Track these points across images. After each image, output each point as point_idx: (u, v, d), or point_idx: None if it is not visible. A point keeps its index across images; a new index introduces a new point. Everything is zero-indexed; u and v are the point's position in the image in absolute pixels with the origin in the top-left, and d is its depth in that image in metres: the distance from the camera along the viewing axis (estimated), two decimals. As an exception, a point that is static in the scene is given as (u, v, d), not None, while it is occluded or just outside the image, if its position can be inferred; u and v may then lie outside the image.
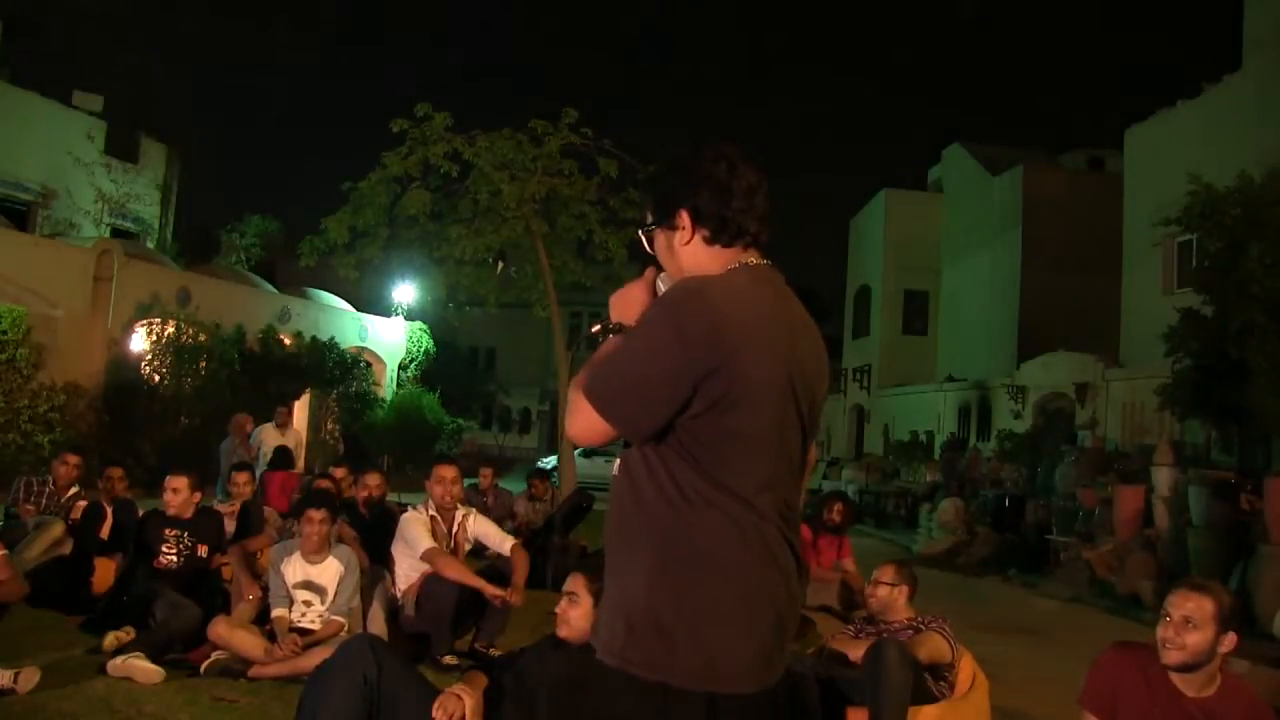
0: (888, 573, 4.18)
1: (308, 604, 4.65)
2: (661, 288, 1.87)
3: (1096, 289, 17.99)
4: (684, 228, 1.82)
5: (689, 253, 1.83)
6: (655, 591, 1.64)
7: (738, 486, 1.65)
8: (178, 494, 5.31)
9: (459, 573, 4.89)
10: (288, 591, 4.62)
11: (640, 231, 1.93)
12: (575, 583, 3.11)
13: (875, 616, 4.19)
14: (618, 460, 1.80)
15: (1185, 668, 2.63)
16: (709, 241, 1.81)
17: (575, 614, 3.06)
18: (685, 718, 1.61)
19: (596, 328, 1.89)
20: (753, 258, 1.83)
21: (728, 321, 1.64)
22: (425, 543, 4.95)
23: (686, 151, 1.88)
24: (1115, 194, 17.49)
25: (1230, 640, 2.64)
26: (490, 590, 4.82)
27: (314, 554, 4.72)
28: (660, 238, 1.87)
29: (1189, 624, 2.61)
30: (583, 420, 1.69)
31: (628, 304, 1.85)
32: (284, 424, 11.24)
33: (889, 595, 4.12)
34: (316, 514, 4.73)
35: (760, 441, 1.66)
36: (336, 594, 4.68)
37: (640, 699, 1.61)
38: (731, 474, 1.64)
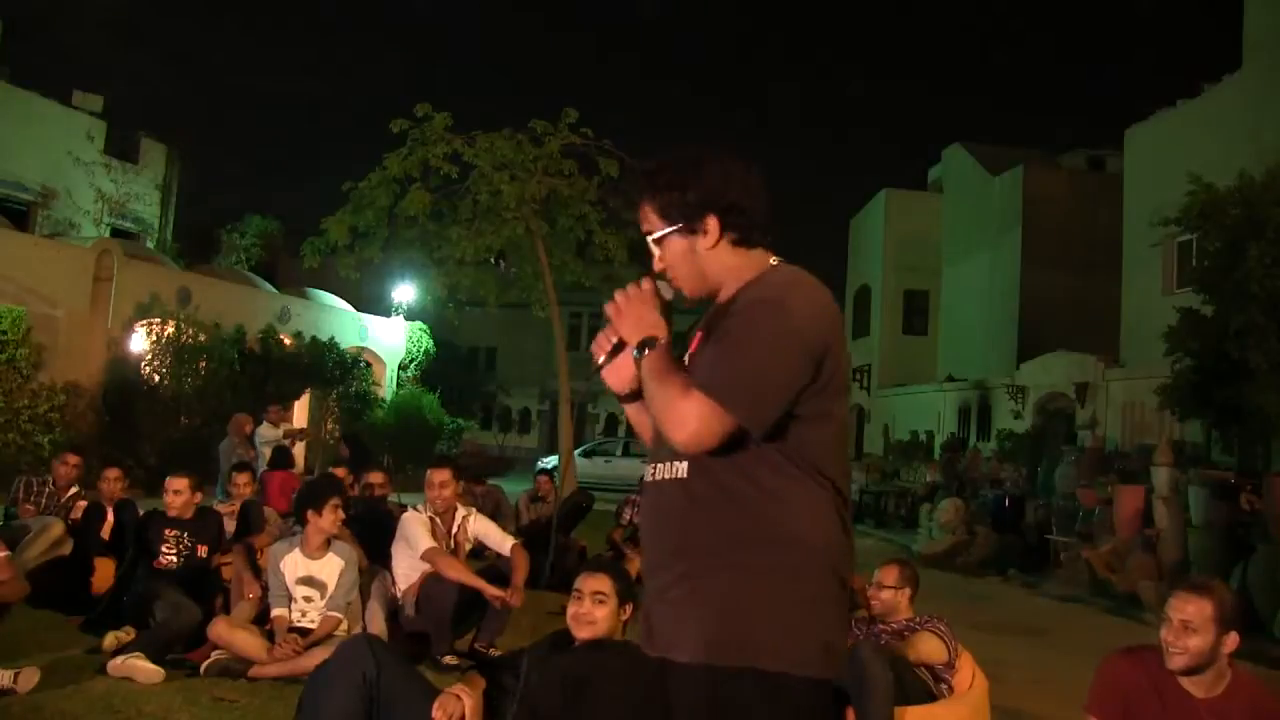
0: (891, 575, 4.16)
1: (308, 600, 4.65)
2: (666, 294, 1.83)
3: (1096, 289, 17.99)
4: (710, 232, 1.77)
5: (714, 257, 1.79)
6: (767, 584, 1.63)
7: (828, 469, 1.69)
8: (179, 495, 5.31)
9: (459, 573, 4.89)
10: (288, 590, 4.62)
11: (651, 240, 1.84)
12: (601, 583, 3.10)
13: (876, 618, 4.17)
14: (663, 465, 1.77)
15: (1190, 670, 2.62)
16: (736, 244, 1.78)
17: (603, 613, 3.06)
18: (817, 707, 1.64)
19: (602, 357, 1.86)
20: (774, 258, 1.81)
21: (827, 310, 1.71)
22: (426, 542, 4.95)
23: (700, 152, 1.82)
24: (1115, 194, 17.49)
25: (1233, 640, 2.64)
26: (490, 591, 4.82)
27: (315, 549, 4.73)
28: (677, 244, 1.81)
29: (1188, 628, 2.61)
30: (700, 424, 1.63)
31: (646, 322, 1.78)
32: (276, 422, 11.26)
33: (893, 599, 4.11)
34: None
35: (844, 428, 1.74)
36: (336, 589, 4.69)
37: (767, 693, 1.59)
38: (824, 457, 1.68)
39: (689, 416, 1.63)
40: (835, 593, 1.68)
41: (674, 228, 1.80)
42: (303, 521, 4.78)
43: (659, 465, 1.80)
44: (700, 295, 1.85)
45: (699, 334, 1.83)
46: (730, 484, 1.67)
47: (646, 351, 1.74)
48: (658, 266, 1.86)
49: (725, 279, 1.80)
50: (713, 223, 1.77)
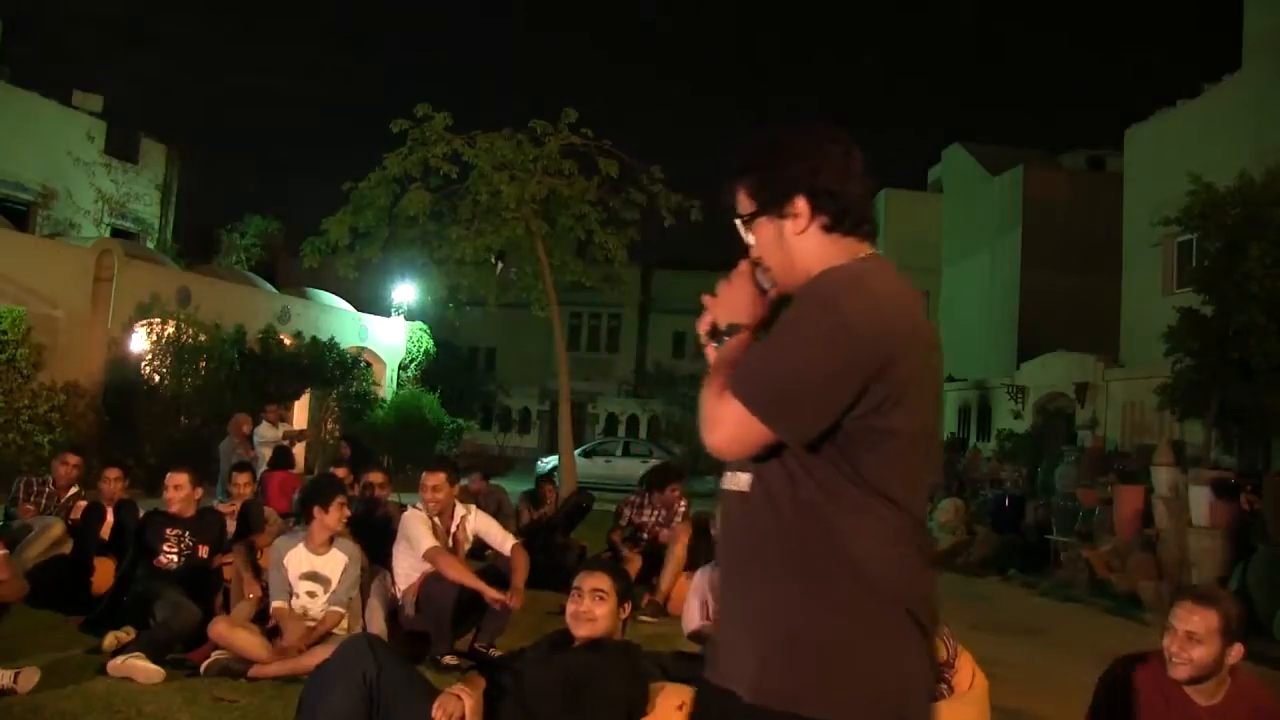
0: None
1: (311, 595, 4.67)
2: (764, 283, 1.71)
3: (1096, 289, 18.00)
4: (800, 215, 1.63)
5: (804, 243, 1.64)
6: (818, 619, 1.50)
7: (894, 491, 1.52)
8: (179, 490, 5.32)
9: (459, 573, 4.90)
10: (289, 585, 4.64)
11: (739, 222, 1.70)
12: (600, 580, 3.10)
13: None
14: (730, 473, 1.66)
15: (1192, 681, 2.61)
16: (827, 230, 1.63)
17: (602, 611, 3.07)
18: None
19: (706, 328, 1.72)
20: (868, 249, 1.67)
21: (892, 314, 1.54)
22: (427, 541, 4.96)
23: (794, 131, 1.69)
24: (1115, 194, 17.50)
25: (1237, 652, 2.63)
26: (490, 594, 4.82)
27: (319, 545, 4.75)
28: (767, 228, 1.66)
29: (1193, 639, 2.59)
30: (732, 429, 1.52)
31: (735, 305, 1.67)
32: (275, 421, 11.26)
33: None
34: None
35: (915, 443, 1.55)
36: (339, 585, 4.72)
37: None
38: (888, 477, 1.52)
39: (724, 419, 1.53)
40: (899, 629, 1.51)
41: (763, 209, 1.66)
42: (308, 518, 4.80)
43: (727, 473, 1.67)
44: (790, 283, 1.68)
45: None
46: (784, 503, 1.54)
47: (724, 340, 1.64)
48: (754, 254, 1.72)
49: (815, 267, 1.64)
50: (802, 204, 1.62)
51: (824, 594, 1.49)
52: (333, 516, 4.73)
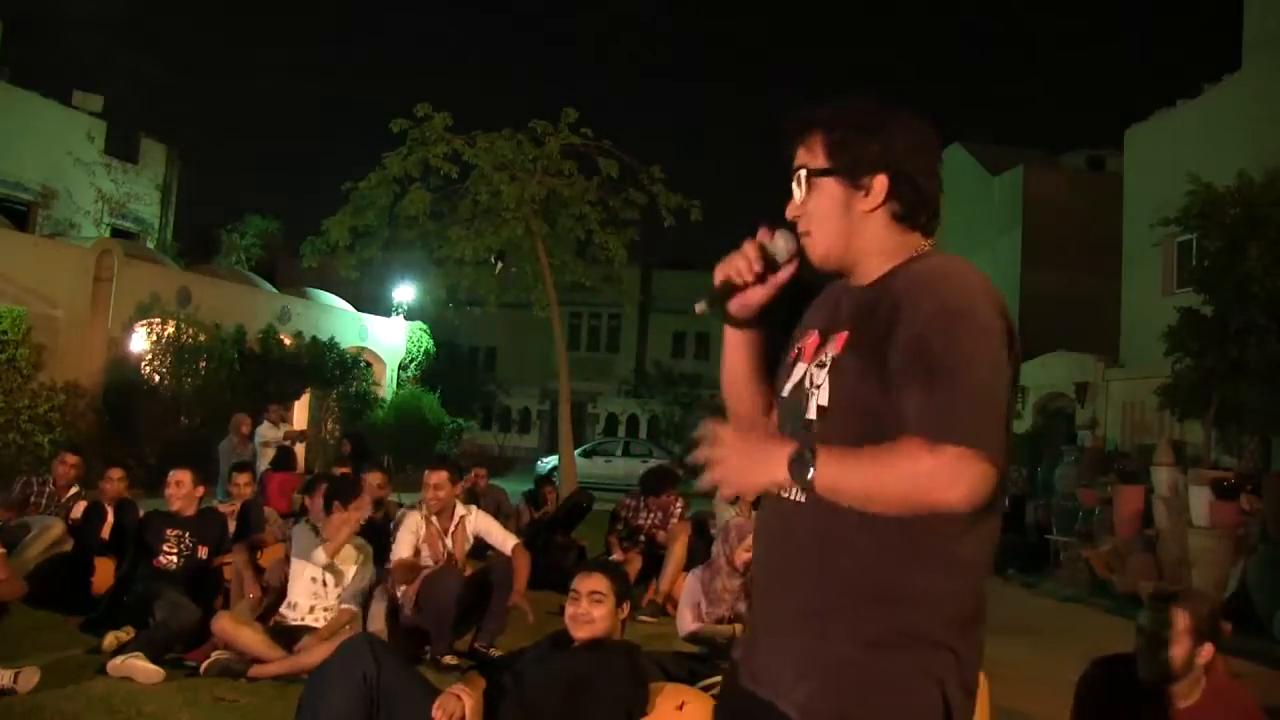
0: None
1: (324, 584, 4.74)
2: (783, 246, 1.59)
3: (1096, 289, 17.99)
4: (875, 193, 1.53)
5: (868, 223, 1.55)
6: (878, 650, 1.42)
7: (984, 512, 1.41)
8: (180, 487, 5.33)
9: (406, 593, 4.93)
10: (306, 562, 4.75)
11: (803, 173, 1.56)
12: (597, 582, 3.11)
13: None
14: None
15: (1164, 682, 2.60)
16: (896, 218, 1.55)
17: (600, 613, 3.07)
18: None
19: (702, 305, 1.61)
20: (929, 244, 1.59)
21: (1005, 305, 1.46)
22: (402, 551, 5.01)
23: (894, 108, 1.58)
24: (1115, 194, 17.49)
25: (1207, 651, 2.61)
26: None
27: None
28: (832, 191, 1.54)
29: (1158, 640, 2.60)
30: (973, 478, 1.31)
31: (755, 464, 1.42)
32: (276, 421, 11.26)
33: None
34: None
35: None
36: (351, 581, 4.79)
37: None
38: (1003, 475, 1.41)
39: (954, 472, 1.31)
40: (958, 655, 1.45)
41: (837, 171, 1.54)
42: (328, 511, 4.89)
43: None
44: (829, 262, 1.58)
45: (843, 335, 1.52)
46: (855, 523, 1.41)
47: (812, 469, 1.37)
48: (793, 212, 1.58)
49: (869, 254, 1.56)
50: (881, 183, 1.53)
51: (893, 620, 1.42)
52: (351, 517, 4.80)
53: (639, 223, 12.35)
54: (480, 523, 5.34)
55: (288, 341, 16.83)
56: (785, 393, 1.61)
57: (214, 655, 4.45)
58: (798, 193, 1.57)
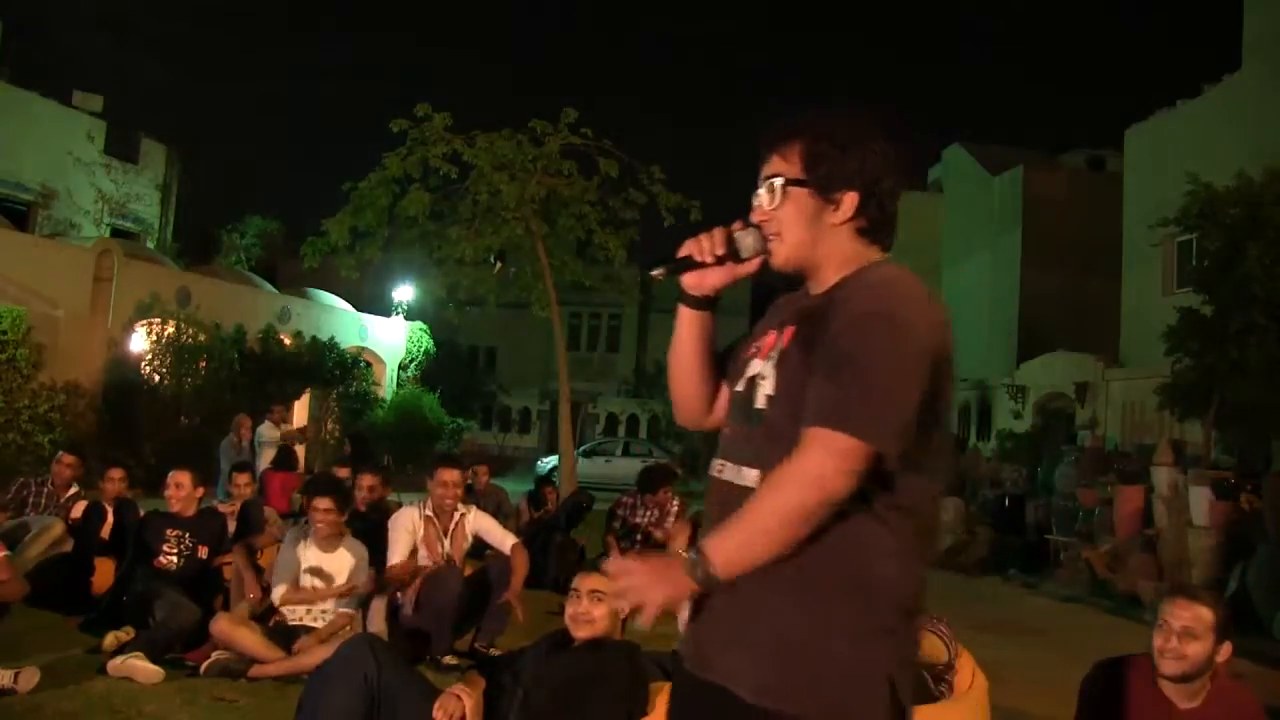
0: None
1: (313, 589, 4.72)
2: (750, 242, 1.64)
3: (1096, 289, 18.01)
4: (843, 208, 1.60)
5: (835, 235, 1.61)
6: (823, 630, 1.48)
7: (912, 496, 1.52)
8: (180, 489, 5.33)
9: (411, 593, 4.91)
10: (297, 572, 4.68)
11: (779, 180, 1.61)
12: (598, 581, 3.10)
13: None
14: (731, 466, 1.61)
15: (1183, 678, 2.60)
16: (860, 232, 1.62)
17: (600, 612, 3.06)
18: None
19: (659, 271, 1.70)
20: (884, 256, 1.65)
21: (941, 314, 1.54)
22: (397, 554, 4.98)
23: (874, 124, 1.63)
24: (1115, 194, 17.50)
25: (1226, 650, 2.61)
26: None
27: (328, 542, 4.78)
28: (806, 200, 1.60)
29: (1189, 634, 2.57)
30: (834, 462, 1.41)
31: (661, 583, 1.49)
32: (278, 421, 11.26)
33: None
34: (322, 503, 4.76)
35: (940, 445, 1.57)
36: (346, 585, 4.74)
37: None
38: (909, 485, 1.51)
39: (815, 467, 1.41)
40: (899, 636, 1.52)
41: (809, 183, 1.60)
42: (304, 509, 4.91)
43: (727, 465, 1.63)
44: (791, 267, 1.65)
45: (790, 329, 1.60)
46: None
47: (708, 564, 1.46)
48: (761, 216, 1.64)
49: (829, 263, 1.62)
50: (851, 200, 1.59)
51: (831, 601, 1.48)
52: (317, 514, 4.75)
53: (639, 223, 12.34)
54: (479, 522, 5.32)
55: (288, 341, 16.83)
56: (739, 387, 1.67)
57: (214, 655, 4.45)
58: (767, 197, 1.63)
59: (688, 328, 1.78)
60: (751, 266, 1.68)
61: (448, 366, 23.09)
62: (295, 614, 4.70)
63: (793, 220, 1.61)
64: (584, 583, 3.12)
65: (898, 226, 1.66)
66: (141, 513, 5.73)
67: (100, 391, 13.29)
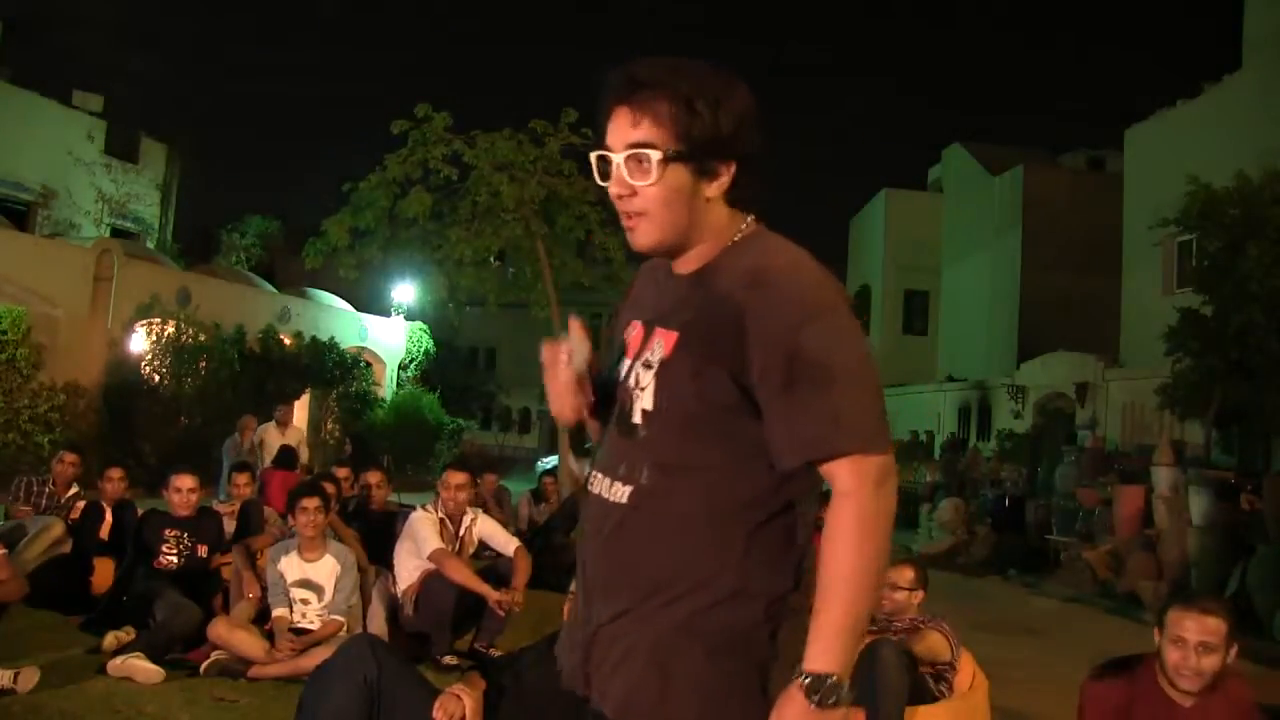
0: (907, 576, 4.12)
1: (305, 602, 4.67)
2: (580, 354, 1.51)
3: (1096, 289, 18.01)
4: (721, 180, 1.40)
5: (711, 209, 1.42)
6: (701, 649, 1.39)
7: (808, 501, 1.47)
8: (192, 494, 5.33)
9: (464, 576, 4.90)
10: (285, 589, 4.63)
11: (655, 155, 1.37)
12: None
13: (886, 617, 4.15)
14: (606, 480, 1.49)
15: (1201, 691, 2.57)
16: (733, 203, 1.43)
17: None
18: None
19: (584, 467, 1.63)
20: (753, 222, 1.48)
21: (834, 277, 1.44)
22: (433, 543, 4.96)
23: (740, 82, 1.42)
24: (1115, 194, 17.49)
25: (1234, 652, 2.61)
26: (493, 596, 4.82)
27: (310, 551, 4.73)
28: (683, 175, 1.38)
29: (1206, 648, 2.54)
30: (880, 477, 1.34)
31: None
32: (285, 422, 11.25)
33: (906, 599, 4.09)
34: (310, 502, 4.73)
35: None
36: (335, 592, 4.69)
37: None
38: (804, 489, 1.47)
39: (871, 506, 1.33)
40: (787, 643, 1.40)
41: (692, 155, 1.37)
42: (290, 512, 4.85)
43: (601, 478, 1.51)
44: (660, 249, 1.45)
45: (671, 335, 1.44)
46: (686, 520, 1.41)
47: (841, 682, 1.31)
48: (623, 190, 1.41)
49: (700, 239, 1.44)
50: (730, 170, 1.39)
51: (729, 615, 1.39)
52: (299, 519, 4.71)
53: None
54: (485, 527, 5.35)
55: (288, 341, 16.83)
56: (612, 389, 1.55)
57: (214, 655, 4.44)
58: (635, 171, 1.38)
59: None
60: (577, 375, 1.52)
61: (448, 366, 23.09)
62: (292, 616, 4.68)
63: (665, 200, 1.38)
64: None
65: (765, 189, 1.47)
66: (140, 512, 5.72)
67: (100, 391, 13.29)
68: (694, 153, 1.37)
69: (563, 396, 1.56)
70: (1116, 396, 15.46)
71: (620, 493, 1.45)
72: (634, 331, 1.53)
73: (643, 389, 1.45)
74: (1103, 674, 2.77)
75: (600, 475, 1.52)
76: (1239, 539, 8.32)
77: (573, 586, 2.71)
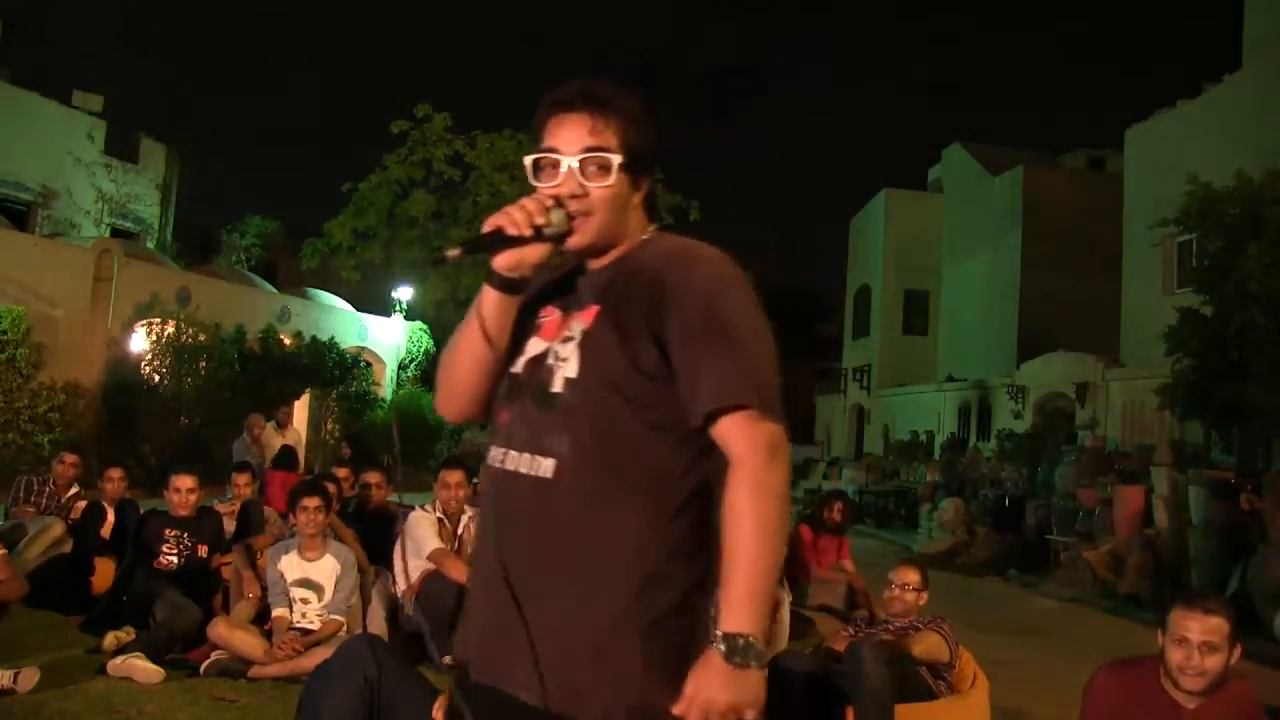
0: (914, 578, 4.12)
1: (305, 602, 4.67)
2: (557, 219, 1.49)
3: (1096, 289, 18.01)
4: (643, 188, 1.59)
5: (632, 215, 1.58)
6: (629, 629, 1.42)
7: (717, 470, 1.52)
8: (192, 494, 5.33)
9: (464, 575, 4.89)
10: (285, 589, 4.63)
11: (613, 159, 1.51)
12: None
13: (891, 617, 4.15)
14: (516, 454, 1.50)
15: (1204, 691, 2.57)
16: (645, 210, 1.61)
17: None
18: None
19: (455, 251, 1.53)
20: (655, 229, 1.64)
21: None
22: (432, 543, 4.96)
23: (640, 99, 1.59)
24: (1115, 194, 17.50)
25: (1238, 653, 2.60)
26: None
27: (310, 550, 4.73)
28: (624, 182, 1.54)
29: (1209, 648, 2.53)
30: (780, 448, 1.43)
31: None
32: (285, 423, 11.24)
33: (915, 600, 4.10)
34: (310, 501, 4.73)
35: None
36: (335, 592, 4.70)
37: None
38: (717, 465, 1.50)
39: (769, 450, 1.41)
40: (691, 636, 1.43)
41: (634, 165, 1.54)
42: (291, 511, 4.86)
43: (511, 453, 1.51)
44: (593, 248, 1.56)
45: (593, 308, 1.52)
46: (601, 497, 1.44)
47: (752, 638, 1.36)
48: (571, 190, 1.50)
49: (620, 241, 1.57)
50: (648, 183, 1.60)
51: (661, 599, 1.42)
52: (300, 518, 4.72)
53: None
54: (481, 526, 5.33)
55: (288, 341, 16.83)
56: (518, 369, 1.57)
57: (214, 655, 4.45)
58: (594, 173, 1.50)
59: (494, 313, 1.57)
60: (548, 246, 1.53)
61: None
62: (292, 616, 4.68)
63: (608, 203, 1.52)
64: None
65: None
66: (141, 512, 5.72)
67: (100, 391, 13.29)
68: (633, 164, 1.54)
69: (529, 247, 1.53)
70: (1116, 396, 15.47)
71: (545, 466, 1.47)
72: (550, 317, 1.59)
73: (564, 360, 1.51)
74: (1105, 674, 2.77)
75: (509, 450, 1.52)
76: (1239, 539, 8.31)
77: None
